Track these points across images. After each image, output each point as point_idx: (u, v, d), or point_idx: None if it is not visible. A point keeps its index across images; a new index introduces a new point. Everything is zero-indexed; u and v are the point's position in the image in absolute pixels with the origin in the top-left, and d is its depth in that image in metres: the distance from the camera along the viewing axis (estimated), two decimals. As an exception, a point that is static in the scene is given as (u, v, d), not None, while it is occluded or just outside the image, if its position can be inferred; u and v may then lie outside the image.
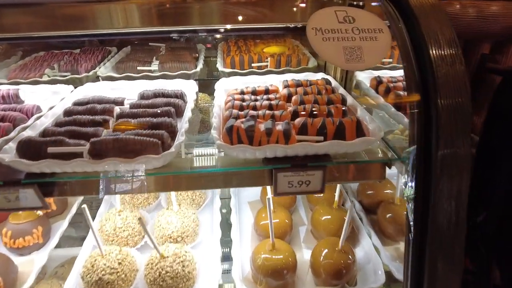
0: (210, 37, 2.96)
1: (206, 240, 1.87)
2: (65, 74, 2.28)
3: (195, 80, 2.19)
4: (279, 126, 1.34)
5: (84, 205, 1.49)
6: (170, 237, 1.74)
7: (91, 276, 1.58)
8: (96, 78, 2.31)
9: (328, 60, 1.31)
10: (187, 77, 2.20)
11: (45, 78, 2.21)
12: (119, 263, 1.63)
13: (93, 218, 2.16)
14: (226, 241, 1.91)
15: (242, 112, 1.47)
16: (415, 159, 1.32)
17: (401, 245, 1.80)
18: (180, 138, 1.40)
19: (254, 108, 1.55)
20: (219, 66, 2.27)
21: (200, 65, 2.31)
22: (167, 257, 1.62)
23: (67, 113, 1.66)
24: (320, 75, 2.03)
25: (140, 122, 1.49)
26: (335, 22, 1.39)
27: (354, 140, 1.32)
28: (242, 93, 1.75)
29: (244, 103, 1.57)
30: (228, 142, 1.33)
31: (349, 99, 1.66)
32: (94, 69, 2.34)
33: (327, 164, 1.35)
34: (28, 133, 1.48)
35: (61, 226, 1.92)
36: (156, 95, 1.81)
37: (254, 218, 1.85)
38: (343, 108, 1.53)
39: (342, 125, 1.36)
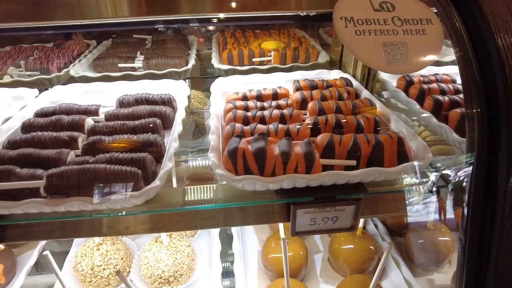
0: (203, 28, 2.60)
1: (204, 277, 1.55)
2: (33, 73, 1.92)
3: (186, 79, 1.85)
4: (298, 148, 1.02)
5: (47, 252, 1.15)
6: (161, 278, 1.43)
7: None
8: (70, 78, 1.97)
9: (365, 61, 0.99)
10: (177, 75, 1.85)
11: (6, 79, 1.85)
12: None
13: (66, 250, 1.83)
14: (227, 273, 1.60)
15: (248, 128, 1.14)
16: (471, 187, 1.02)
17: (435, 276, 1.52)
18: (168, 164, 1.07)
19: (262, 120, 1.23)
20: (215, 63, 1.93)
21: (192, 61, 1.96)
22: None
23: (26, 127, 1.32)
24: (335, 73, 1.71)
25: (116, 141, 1.16)
26: (370, 10, 1.07)
27: (400, 167, 1.01)
28: (245, 98, 1.42)
29: (249, 114, 1.24)
30: (231, 169, 1.01)
31: (378, 106, 1.34)
32: (68, 67, 1.98)
33: (361, 195, 1.04)
34: (-29, 157, 1.15)
35: (29, 260, 1.58)
36: (139, 101, 1.47)
37: (261, 249, 1.53)
38: (375, 119, 1.21)
39: (380, 145, 1.05)
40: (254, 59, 1.97)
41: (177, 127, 1.29)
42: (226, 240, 1.72)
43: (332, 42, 1.99)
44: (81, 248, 1.55)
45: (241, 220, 1.08)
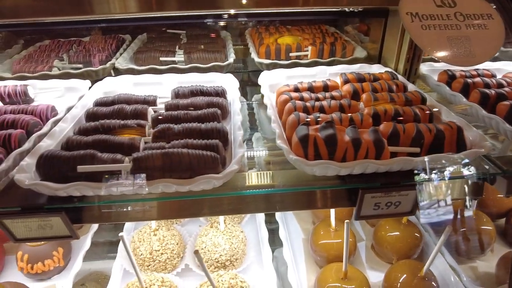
0: (234, 23, 2.65)
1: (257, 262, 1.62)
2: (77, 66, 1.98)
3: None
4: (366, 136, 1.08)
5: (123, 234, 1.21)
6: (218, 261, 1.49)
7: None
8: (113, 71, 2.02)
9: (434, 54, 1.04)
10: (219, 69, 1.91)
11: (55, 71, 1.91)
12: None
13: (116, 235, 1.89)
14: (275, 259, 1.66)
15: (312, 116, 1.20)
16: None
17: (478, 264, 1.57)
18: (239, 150, 1.12)
19: (322, 109, 1.28)
20: (255, 57, 1.98)
21: (232, 55, 2.02)
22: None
23: (90, 116, 1.38)
24: (376, 68, 1.76)
25: (185, 128, 1.22)
26: (433, 5, 1.12)
27: (463, 153, 1.06)
28: (297, 90, 1.48)
29: (308, 104, 1.30)
30: (301, 155, 1.07)
31: (428, 98, 1.39)
32: (110, 60, 2.03)
33: (423, 182, 1.09)
34: (46, 143, 1.20)
35: (83, 245, 1.64)
36: (194, 92, 1.53)
37: (310, 236, 1.59)
38: (430, 110, 1.26)
39: (441, 134, 1.10)
40: (291, 54, 2.02)
41: (237, 116, 1.34)
42: (269, 228, 1.78)
43: (370, 38, 2.04)
44: (137, 234, 1.62)
45: (308, 204, 1.14)
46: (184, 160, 1.02)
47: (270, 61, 1.92)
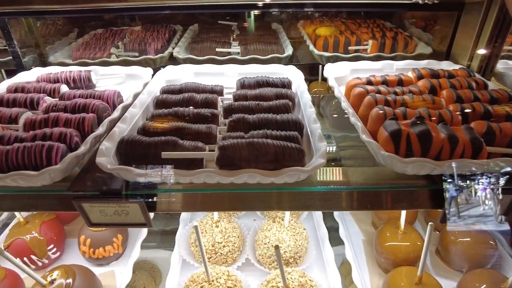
0: (283, 14, 2.59)
1: (318, 260, 1.57)
2: (133, 53, 1.98)
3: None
4: (461, 134, 1.01)
5: (197, 224, 1.19)
6: (281, 258, 1.44)
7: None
8: (169, 60, 2.01)
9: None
10: (278, 61, 1.87)
11: (113, 58, 1.92)
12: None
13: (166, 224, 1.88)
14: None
15: (399, 110, 1.14)
16: None
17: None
18: (320, 144, 1.07)
19: (404, 104, 1.22)
20: (314, 50, 1.93)
21: (289, 47, 1.97)
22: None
23: (160, 103, 1.36)
24: (446, 64, 1.67)
25: (260, 119, 1.18)
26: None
27: None
28: (370, 83, 1.41)
29: (389, 97, 1.23)
30: (391, 150, 1.01)
31: (514, 97, 1.30)
32: (165, 49, 2.03)
33: None
34: (120, 128, 1.20)
35: (140, 234, 1.65)
36: (260, 83, 1.49)
37: (375, 237, 1.51)
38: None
39: (542, 135, 1.02)
40: (350, 47, 1.95)
41: (309, 109, 1.29)
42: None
43: (435, 33, 1.95)
44: (198, 224, 1.59)
45: (391, 204, 1.08)
46: (270, 151, 0.98)
47: (331, 54, 1.86)
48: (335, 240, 1.70)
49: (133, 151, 1.03)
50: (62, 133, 1.14)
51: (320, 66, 2.08)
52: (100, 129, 1.20)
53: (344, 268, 1.65)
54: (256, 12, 2.44)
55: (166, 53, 1.94)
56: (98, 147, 1.07)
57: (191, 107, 1.27)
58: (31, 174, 0.99)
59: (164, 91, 1.45)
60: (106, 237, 1.52)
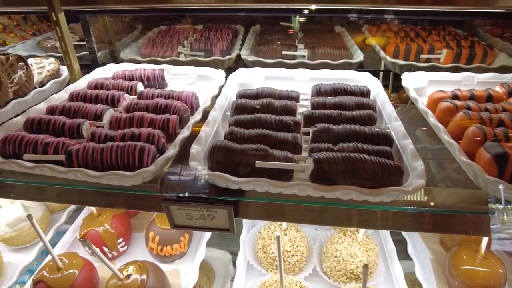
0: (347, 17, 2.52)
1: (388, 277, 1.52)
2: (199, 53, 2.01)
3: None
4: None
5: (279, 234, 1.18)
6: (352, 273, 1.42)
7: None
8: (235, 62, 2.01)
9: None
10: (348, 66, 1.82)
11: (181, 57, 1.95)
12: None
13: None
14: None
15: (498, 130, 1.07)
16: None
17: None
18: (415, 162, 1.03)
19: (500, 123, 1.15)
20: (386, 56, 1.86)
21: (360, 53, 1.91)
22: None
23: (240, 108, 1.36)
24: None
25: (347, 131, 1.15)
26: None
27: None
28: (456, 97, 1.35)
29: (483, 115, 1.17)
30: (494, 176, 0.95)
31: None
32: (229, 49, 2.04)
33: None
34: (206, 133, 1.20)
35: (204, 234, 1.67)
36: (337, 91, 1.45)
37: (449, 258, 1.44)
38: None
39: None
40: (422, 56, 1.88)
41: (395, 122, 1.24)
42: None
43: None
44: (266, 230, 1.60)
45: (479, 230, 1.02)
46: (368, 167, 0.95)
47: (405, 62, 1.79)
48: (399, 254, 1.64)
49: (226, 157, 1.03)
50: (150, 134, 1.17)
51: (391, 73, 2.00)
52: (186, 132, 1.22)
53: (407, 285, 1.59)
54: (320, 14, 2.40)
55: (234, 54, 1.95)
56: (189, 151, 1.08)
57: (272, 114, 1.26)
58: (126, 175, 1.02)
59: (241, 95, 1.45)
60: (174, 235, 1.55)
